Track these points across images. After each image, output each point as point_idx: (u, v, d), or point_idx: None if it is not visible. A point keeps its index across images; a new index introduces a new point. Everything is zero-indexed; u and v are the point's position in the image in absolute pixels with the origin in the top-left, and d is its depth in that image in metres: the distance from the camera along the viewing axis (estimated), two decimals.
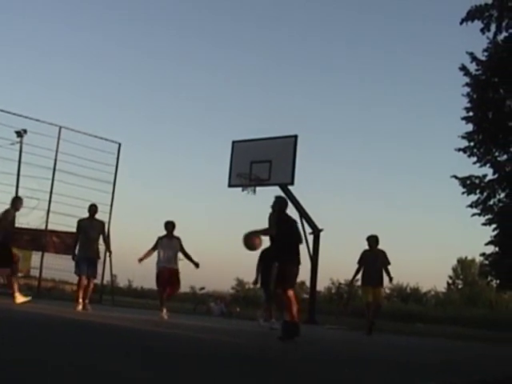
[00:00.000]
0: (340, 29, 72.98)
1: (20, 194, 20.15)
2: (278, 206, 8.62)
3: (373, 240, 12.78)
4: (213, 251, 58.80)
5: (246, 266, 11.49)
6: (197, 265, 12.28)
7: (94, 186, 19.72)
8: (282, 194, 17.33)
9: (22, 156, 20.08)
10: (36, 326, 7.12)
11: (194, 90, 77.99)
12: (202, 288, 29.54)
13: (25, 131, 19.85)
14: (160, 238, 12.39)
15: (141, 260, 12.49)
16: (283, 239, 8.29)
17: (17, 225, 19.73)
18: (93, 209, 12.80)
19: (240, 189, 18.04)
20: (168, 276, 12.18)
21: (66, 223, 19.11)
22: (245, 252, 8.50)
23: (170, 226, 12.50)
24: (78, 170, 19.58)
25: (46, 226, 19.40)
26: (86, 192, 19.26)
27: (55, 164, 19.64)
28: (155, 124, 76.96)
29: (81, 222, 12.80)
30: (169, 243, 12.36)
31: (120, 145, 21.08)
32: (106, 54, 75.31)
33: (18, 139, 19.91)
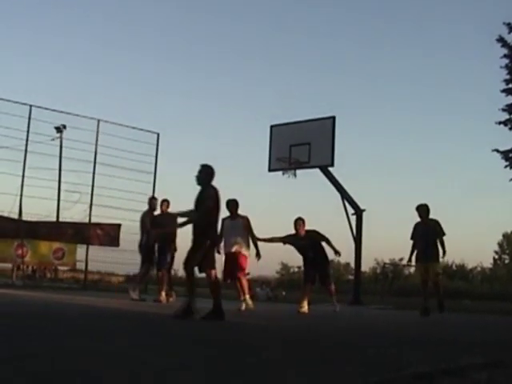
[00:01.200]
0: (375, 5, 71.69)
1: (62, 188, 20.62)
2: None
3: (423, 210, 11.73)
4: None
5: (290, 250, 11.41)
6: (258, 255, 11.07)
7: (134, 177, 19.98)
8: (323, 176, 17.46)
9: (62, 151, 20.44)
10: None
11: (231, 74, 77.87)
12: (247, 273, 29.58)
13: (64, 126, 20.19)
14: (223, 220, 10.82)
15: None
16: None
17: (61, 219, 20.35)
18: None
19: (280, 173, 18.13)
20: (233, 264, 10.91)
21: (108, 215, 19.44)
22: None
23: (231, 204, 10.90)
24: (118, 161, 19.87)
25: (90, 219, 19.72)
26: (127, 183, 19.53)
27: (95, 157, 19.95)
28: (193, 112, 77.08)
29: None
30: (233, 225, 10.94)
31: (158, 135, 21.32)
32: (140, 43, 75.72)
33: (58, 135, 20.27)
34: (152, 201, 13.05)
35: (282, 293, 24.06)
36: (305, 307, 11.24)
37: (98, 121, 20.08)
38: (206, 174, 7.86)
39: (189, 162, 57.54)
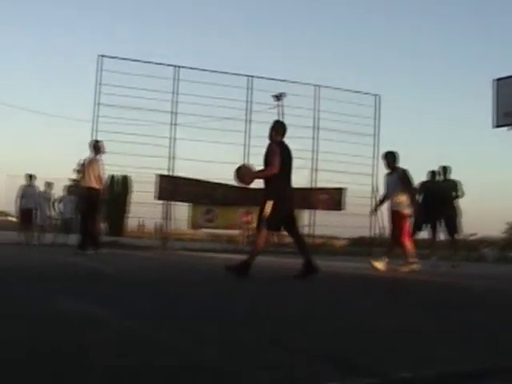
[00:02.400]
0: None
1: None
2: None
3: None
4: (480, 196, 55.66)
5: None
6: (415, 213, 10.18)
7: (356, 141, 19.76)
8: None
9: (282, 118, 20.74)
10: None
11: (451, 26, 73.95)
12: (473, 234, 28.47)
13: (283, 94, 20.44)
14: (385, 176, 10.37)
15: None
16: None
17: None
18: None
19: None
20: (393, 224, 10.06)
21: (332, 179, 19.43)
22: None
23: (388, 157, 10.17)
24: (338, 126, 19.71)
25: (314, 184, 19.86)
26: (348, 147, 19.36)
27: (316, 123, 19.95)
28: (412, 73, 74.59)
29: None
30: (389, 180, 10.22)
31: (379, 96, 20.79)
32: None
33: (277, 103, 20.58)
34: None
35: (510, 253, 22.70)
36: None
37: (317, 86, 20.08)
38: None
39: (409, 123, 55.79)
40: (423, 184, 12.75)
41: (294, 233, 7.71)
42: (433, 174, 13.01)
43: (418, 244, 11.14)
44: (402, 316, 4.13)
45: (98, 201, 11.70)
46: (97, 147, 11.83)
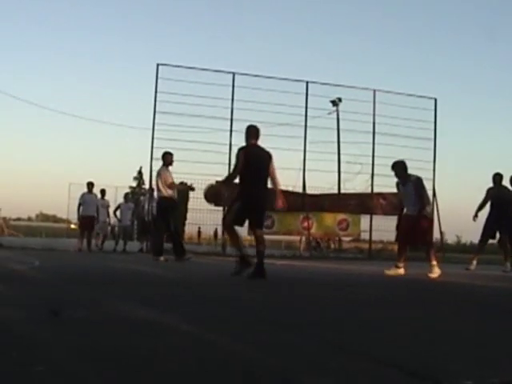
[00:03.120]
0: None
1: (343, 160, 20.90)
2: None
3: None
4: None
5: None
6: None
7: (414, 145, 19.45)
8: None
9: (339, 123, 20.69)
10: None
11: None
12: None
13: (340, 99, 20.41)
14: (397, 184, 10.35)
15: (475, 217, 12.32)
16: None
17: (343, 190, 20.74)
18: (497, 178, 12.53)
19: None
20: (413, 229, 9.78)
21: (390, 184, 19.20)
22: None
23: (396, 167, 10.02)
24: (396, 130, 19.50)
25: (372, 188, 19.70)
26: (406, 151, 19.12)
27: (374, 127, 19.79)
28: (470, 75, 73.22)
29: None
30: (404, 189, 10.07)
31: (436, 100, 20.45)
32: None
33: (334, 108, 20.56)
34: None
35: None
36: None
37: (374, 91, 19.91)
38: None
39: (469, 125, 54.75)
40: (490, 190, 12.54)
41: (256, 234, 8.08)
42: (499, 177, 12.59)
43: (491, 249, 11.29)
44: (465, 323, 4.07)
45: (170, 208, 11.96)
46: (165, 158, 12.12)
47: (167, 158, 12.18)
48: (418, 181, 9.91)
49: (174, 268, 9.93)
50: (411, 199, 9.76)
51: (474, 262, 12.26)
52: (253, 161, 7.85)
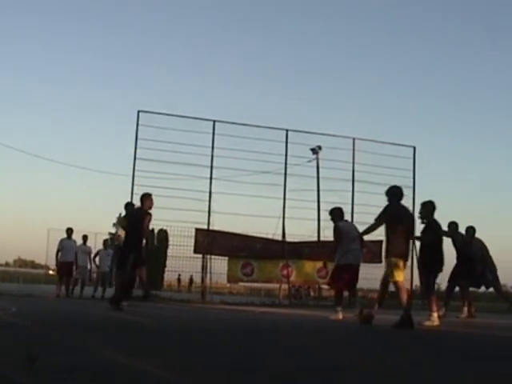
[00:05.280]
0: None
1: (322, 208, 20.91)
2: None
3: None
4: None
5: None
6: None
7: None
8: None
9: (319, 171, 20.82)
10: None
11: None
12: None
13: (320, 147, 20.56)
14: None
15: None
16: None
17: (323, 238, 20.66)
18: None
19: None
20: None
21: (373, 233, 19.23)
22: None
23: (332, 213, 12.08)
24: (375, 178, 19.42)
25: None
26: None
27: (353, 175, 19.88)
28: (448, 123, 74.56)
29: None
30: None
31: (415, 148, 20.66)
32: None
33: (314, 156, 20.70)
34: None
35: None
36: None
37: (354, 139, 20.06)
38: None
39: (447, 173, 55.47)
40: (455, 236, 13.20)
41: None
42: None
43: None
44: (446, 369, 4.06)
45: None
46: (143, 200, 11.48)
47: (145, 200, 11.76)
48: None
49: (149, 314, 9.82)
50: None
51: (465, 309, 12.72)
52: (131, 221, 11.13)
